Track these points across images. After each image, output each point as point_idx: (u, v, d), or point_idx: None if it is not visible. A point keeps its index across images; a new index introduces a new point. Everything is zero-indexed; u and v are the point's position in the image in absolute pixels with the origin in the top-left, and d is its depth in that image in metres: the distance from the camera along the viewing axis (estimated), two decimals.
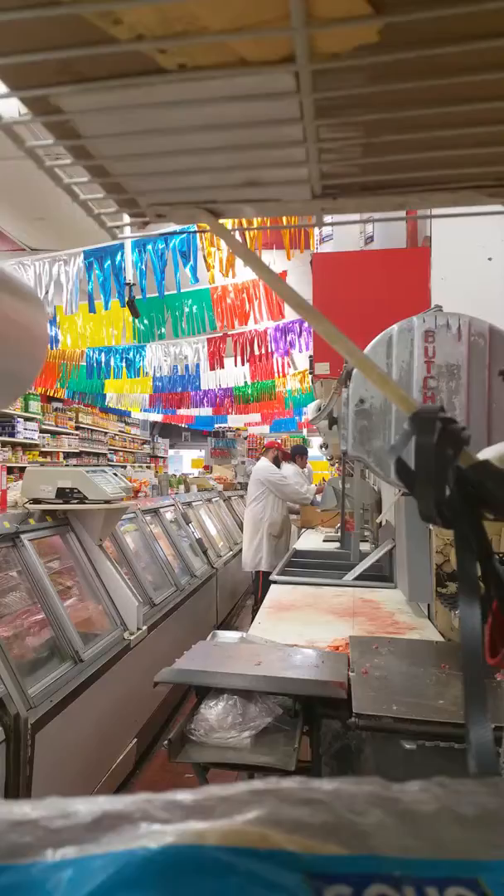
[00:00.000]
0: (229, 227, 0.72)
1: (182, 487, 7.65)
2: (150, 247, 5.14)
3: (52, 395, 10.16)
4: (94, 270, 5.28)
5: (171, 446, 18.31)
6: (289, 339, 7.30)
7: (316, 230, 3.90)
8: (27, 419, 9.43)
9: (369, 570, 3.82)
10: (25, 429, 9.35)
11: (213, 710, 1.73)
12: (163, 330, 6.69)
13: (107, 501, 3.48)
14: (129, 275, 5.12)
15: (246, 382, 9.19)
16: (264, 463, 6.79)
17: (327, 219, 0.86)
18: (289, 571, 4.15)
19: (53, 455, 10.71)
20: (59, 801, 0.30)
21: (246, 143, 0.55)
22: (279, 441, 7.42)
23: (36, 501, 3.47)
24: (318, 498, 6.99)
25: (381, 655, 2.07)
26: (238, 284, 6.16)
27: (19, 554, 3.00)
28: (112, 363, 8.10)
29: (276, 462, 6.80)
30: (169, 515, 5.69)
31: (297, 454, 7.77)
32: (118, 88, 0.47)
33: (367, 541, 4.98)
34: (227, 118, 0.52)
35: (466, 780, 0.33)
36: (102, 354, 8.04)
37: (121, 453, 14.15)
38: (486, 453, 0.81)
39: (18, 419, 9.16)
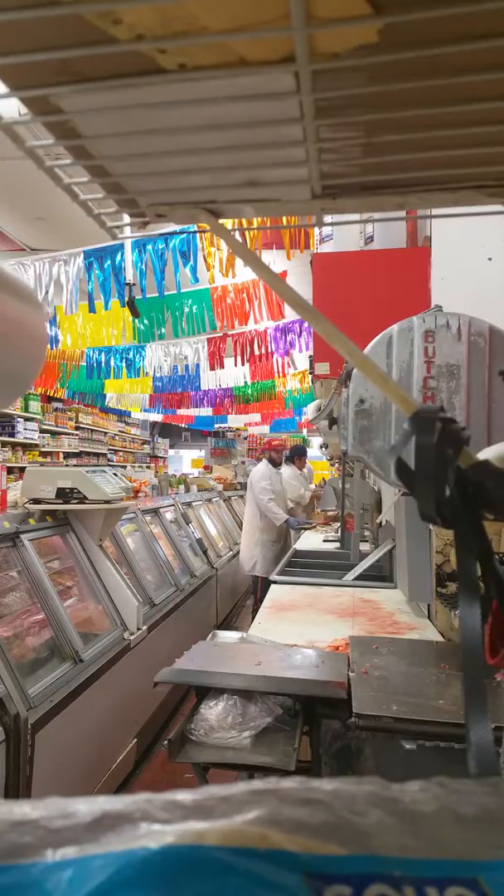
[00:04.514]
0: (229, 227, 0.72)
1: (182, 487, 7.65)
2: (150, 247, 5.14)
3: (52, 395, 10.16)
4: (94, 270, 5.28)
5: (171, 446, 18.31)
6: (289, 339, 7.30)
7: (316, 230, 3.90)
8: (27, 419, 9.43)
9: (369, 570, 3.83)
10: (25, 429, 9.35)
11: (213, 710, 1.73)
12: (163, 330, 6.69)
13: (107, 501, 3.48)
14: (129, 275, 5.12)
15: (246, 382, 9.20)
16: (260, 466, 6.76)
17: (327, 219, 0.86)
18: (289, 571, 4.15)
19: (53, 455, 10.71)
20: (59, 801, 0.30)
21: (246, 143, 0.55)
22: (279, 440, 7.33)
23: (36, 501, 3.47)
24: (295, 521, 6.79)
25: (381, 655, 2.07)
26: (238, 284, 6.16)
27: (19, 554, 3.00)
28: (112, 363, 8.10)
29: (273, 463, 6.73)
30: (169, 515, 5.69)
31: (295, 455, 7.73)
32: (118, 88, 0.47)
33: (367, 541, 4.98)
34: (227, 118, 0.52)
35: (466, 780, 0.33)
36: (102, 354, 8.04)
37: (121, 453, 14.15)
38: (486, 453, 0.81)
39: (18, 419, 9.16)
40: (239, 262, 5.03)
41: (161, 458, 16.85)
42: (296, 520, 6.82)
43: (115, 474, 3.85)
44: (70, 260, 5.34)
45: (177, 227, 4.48)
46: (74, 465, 9.48)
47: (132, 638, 3.50)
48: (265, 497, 6.46)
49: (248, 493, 6.79)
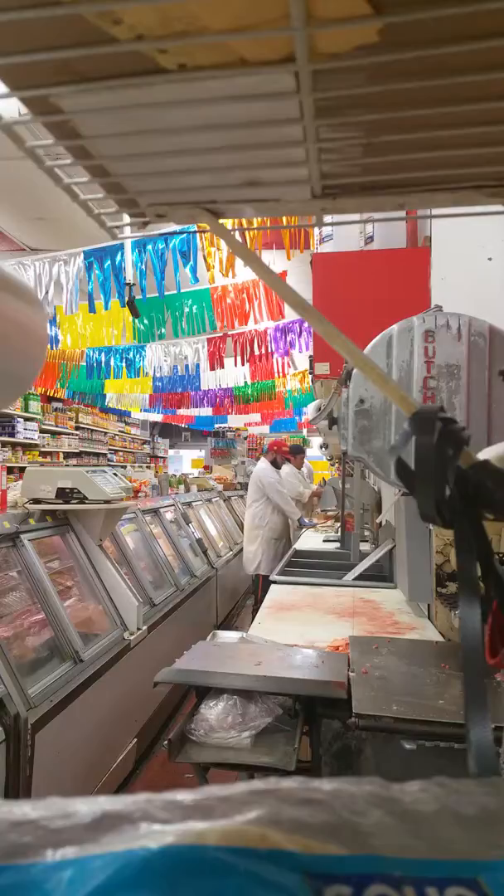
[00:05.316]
0: (229, 227, 0.72)
1: (182, 487, 7.65)
2: (150, 247, 5.14)
3: (52, 395, 10.16)
4: (94, 270, 5.28)
5: (171, 446, 18.30)
6: (289, 339, 7.30)
7: (316, 230, 3.90)
8: (27, 419, 9.43)
9: (369, 570, 3.82)
10: (25, 429, 9.35)
11: (213, 710, 1.73)
12: (163, 330, 6.69)
13: (107, 501, 3.48)
14: (129, 275, 5.12)
15: (246, 382, 9.20)
16: (263, 465, 6.80)
17: (327, 219, 0.86)
18: (289, 571, 4.15)
19: (53, 455, 10.71)
20: (59, 801, 0.30)
21: (246, 143, 0.55)
22: (282, 440, 7.43)
23: (36, 501, 3.47)
24: (307, 521, 7.02)
25: (381, 655, 2.07)
26: (238, 284, 6.16)
27: (19, 554, 3.00)
28: (112, 363, 8.10)
29: (275, 464, 6.81)
30: (169, 515, 5.69)
31: (292, 453, 7.77)
32: (118, 88, 0.47)
33: (367, 541, 4.98)
34: (227, 118, 0.52)
35: (466, 780, 0.33)
36: (102, 354, 8.05)
37: (121, 453, 14.14)
38: (486, 453, 0.81)
39: (18, 419, 9.15)
40: (239, 262, 5.03)
41: (161, 458, 16.84)
42: (309, 521, 6.92)
43: (115, 474, 3.84)
44: (70, 260, 5.34)
45: (177, 227, 4.48)
46: (74, 465, 9.48)
47: (132, 638, 3.50)
48: (282, 490, 6.55)
49: (250, 493, 6.79)
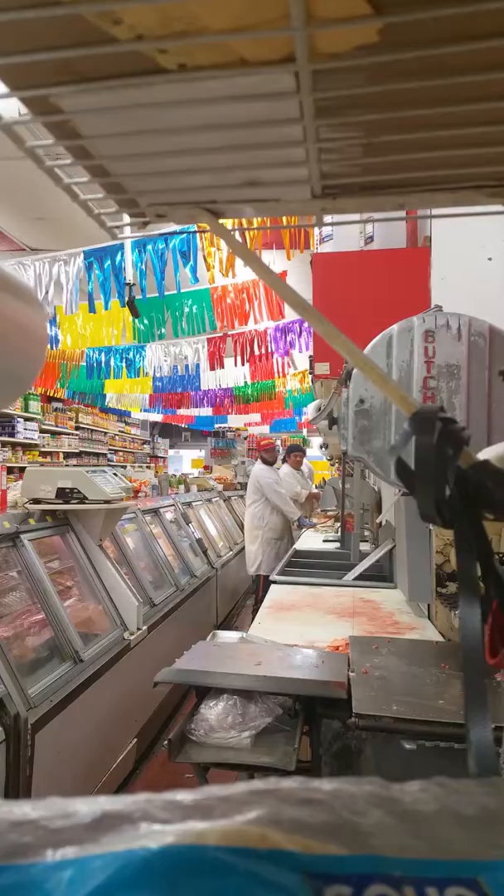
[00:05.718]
0: (229, 227, 0.72)
1: (182, 487, 7.65)
2: (150, 247, 5.14)
3: (52, 395, 10.16)
4: (94, 270, 5.28)
5: (171, 446, 18.30)
6: (289, 339, 7.30)
7: (316, 230, 3.90)
8: (27, 419, 9.43)
9: (369, 570, 3.82)
10: (25, 429, 9.35)
11: (213, 710, 1.73)
12: (163, 330, 6.69)
13: (107, 501, 3.48)
14: (129, 275, 5.12)
15: (246, 382, 9.20)
16: (261, 465, 6.81)
17: (327, 219, 0.86)
18: (289, 571, 4.15)
19: (53, 455, 10.71)
20: (59, 801, 0.30)
21: (246, 143, 0.55)
22: (267, 440, 7.47)
23: (36, 501, 3.47)
24: (307, 521, 7.03)
25: (381, 655, 2.07)
26: (238, 284, 6.16)
27: (19, 554, 3.00)
28: (112, 363, 8.10)
29: (266, 461, 6.83)
30: (169, 515, 5.69)
31: (288, 452, 7.78)
32: (118, 88, 0.47)
33: (367, 541, 4.98)
34: (227, 118, 0.52)
35: (466, 780, 0.33)
36: (102, 354, 8.05)
37: (121, 453, 14.14)
38: (486, 453, 0.81)
39: (18, 419, 9.15)
40: (239, 262, 5.03)
41: (161, 458, 16.84)
42: (308, 521, 6.92)
43: (115, 474, 3.84)
44: (70, 260, 5.34)
45: (177, 227, 4.48)
46: (74, 465, 9.48)
47: (132, 638, 3.50)
48: (280, 490, 6.57)
49: (249, 493, 6.80)
